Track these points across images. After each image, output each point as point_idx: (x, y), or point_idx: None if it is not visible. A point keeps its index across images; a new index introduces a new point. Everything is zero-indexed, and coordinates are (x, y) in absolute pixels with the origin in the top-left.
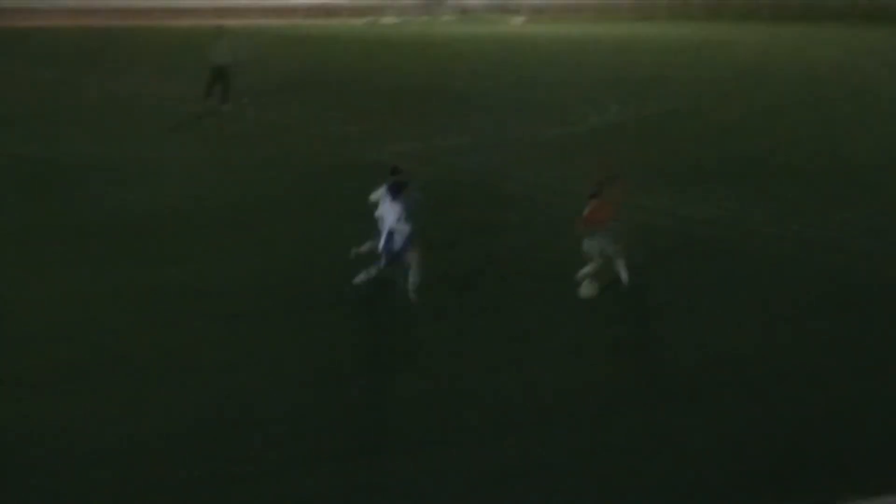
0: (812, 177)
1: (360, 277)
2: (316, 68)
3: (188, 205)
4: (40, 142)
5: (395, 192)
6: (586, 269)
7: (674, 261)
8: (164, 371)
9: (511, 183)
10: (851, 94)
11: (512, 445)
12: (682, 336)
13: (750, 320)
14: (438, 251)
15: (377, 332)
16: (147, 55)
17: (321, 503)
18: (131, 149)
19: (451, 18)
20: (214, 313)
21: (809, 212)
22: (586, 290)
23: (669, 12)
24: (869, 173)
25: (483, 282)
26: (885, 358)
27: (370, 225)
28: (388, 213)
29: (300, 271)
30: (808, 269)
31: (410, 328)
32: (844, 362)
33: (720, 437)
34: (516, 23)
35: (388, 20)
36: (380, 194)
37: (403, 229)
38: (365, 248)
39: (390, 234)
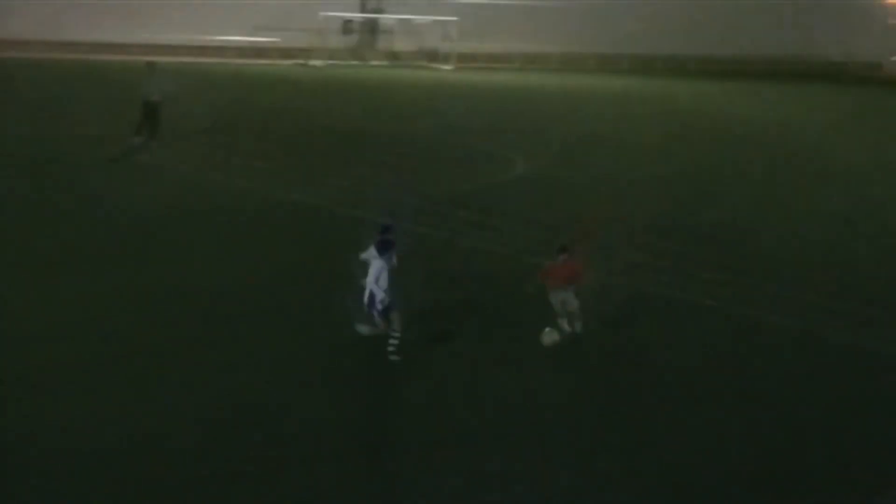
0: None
1: (364, 329)
2: (241, 107)
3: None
4: None
5: (382, 249)
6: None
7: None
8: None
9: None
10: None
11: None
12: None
13: None
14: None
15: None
16: (72, 90)
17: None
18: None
19: (379, 63)
20: None
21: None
22: (547, 338)
23: (598, 64)
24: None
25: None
26: None
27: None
28: (370, 271)
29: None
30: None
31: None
32: None
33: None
34: (445, 70)
35: (317, 63)
36: (370, 253)
37: (378, 291)
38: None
39: (371, 294)
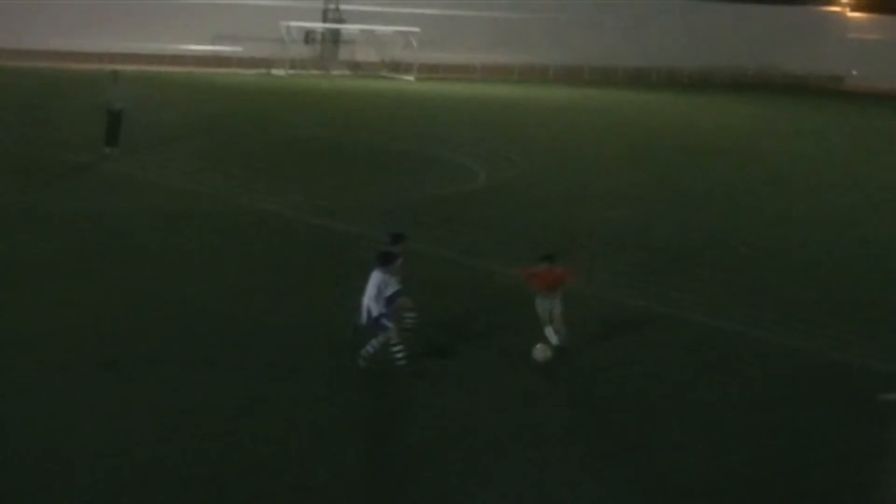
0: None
1: (368, 351)
2: (204, 116)
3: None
4: None
5: (382, 262)
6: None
7: None
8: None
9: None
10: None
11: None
12: None
13: None
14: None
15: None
16: (34, 98)
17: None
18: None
19: (342, 73)
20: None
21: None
22: (539, 354)
23: (559, 76)
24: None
25: None
26: None
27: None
28: (369, 285)
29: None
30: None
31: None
32: None
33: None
34: (407, 80)
35: (279, 72)
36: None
37: (373, 306)
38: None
39: (368, 309)
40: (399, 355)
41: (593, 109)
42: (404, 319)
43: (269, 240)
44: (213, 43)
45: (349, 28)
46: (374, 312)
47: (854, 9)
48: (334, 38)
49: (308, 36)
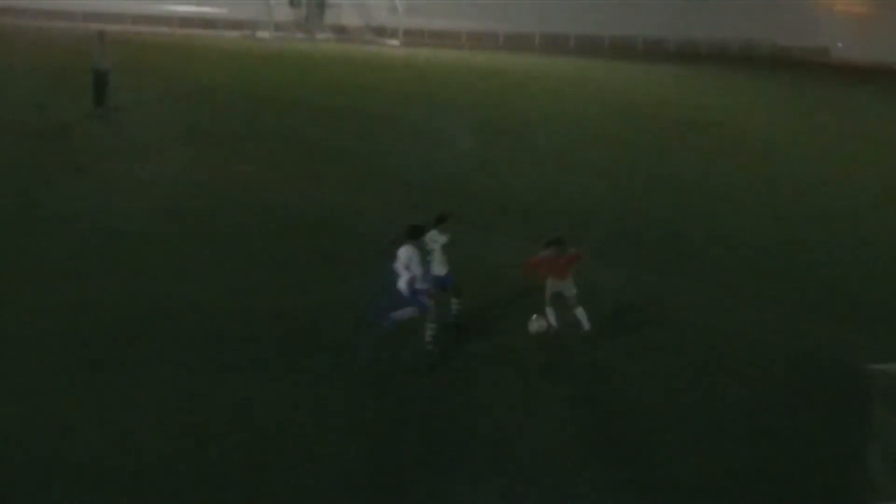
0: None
1: (428, 337)
2: (187, 78)
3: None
4: None
5: (411, 236)
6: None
7: None
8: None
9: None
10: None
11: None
12: None
13: None
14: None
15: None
16: (16, 57)
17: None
18: None
19: (326, 37)
20: None
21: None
22: (534, 325)
23: (544, 44)
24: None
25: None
26: None
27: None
28: (401, 259)
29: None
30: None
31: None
32: None
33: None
34: (392, 45)
35: (264, 35)
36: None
37: (403, 283)
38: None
39: (409, 280)
40: (429, 336)
41: (577, 79)
42: (451, 306)
43: (251, 203)
44: (198, 4)
45: None
46: (405, 288)
47: None
48: (319, 1)
49: None
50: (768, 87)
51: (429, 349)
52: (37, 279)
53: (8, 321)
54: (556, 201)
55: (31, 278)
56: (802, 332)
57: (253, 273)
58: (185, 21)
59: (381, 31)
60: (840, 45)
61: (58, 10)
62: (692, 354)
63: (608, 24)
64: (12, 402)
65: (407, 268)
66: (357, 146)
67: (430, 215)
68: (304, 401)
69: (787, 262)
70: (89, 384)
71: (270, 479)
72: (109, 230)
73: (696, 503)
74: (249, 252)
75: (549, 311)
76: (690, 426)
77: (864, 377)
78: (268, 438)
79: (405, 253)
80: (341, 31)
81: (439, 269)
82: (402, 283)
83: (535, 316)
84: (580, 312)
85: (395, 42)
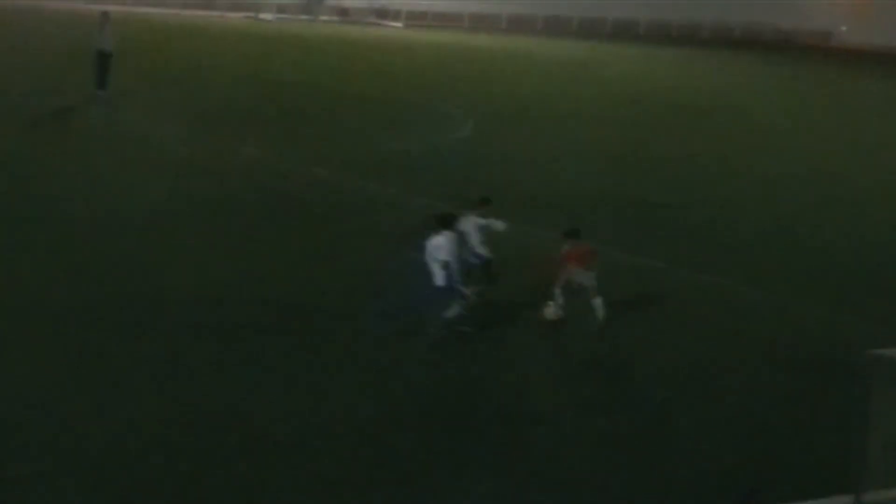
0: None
1: (452, 312)
2: (191, 60)
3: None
4: None
5: (443, 224)
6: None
7: None
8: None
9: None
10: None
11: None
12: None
13: None
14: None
15: None
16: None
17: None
18: None
19: (329, 19)
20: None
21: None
22: (549, 311)
23: (546, 26)
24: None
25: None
26: None
27: None
28: (443, 249)
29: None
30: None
31: None
32: None
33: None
34: (394, 27)
35: (267, 17)
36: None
37: (437, 271)
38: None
39: (450, 267)
40: (455, 317)
41: (577, 62)
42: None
43: (256, 183)
44: None
45: None
46: (440, 280)
47: None
48: None
49: None
50: (771, 71)
51: (465, 330)
52: (32, 267)
53: (6, 312)
54: (559, 186)
55: (25, 267)
56: (813, 318)
57: (258, 260)
58: (188, 3)
59: (383, 14)
60: (844, 28)
61: None
62: (703, 342)
63: (611, 7)
64: (11, 396)
65: (444, 257)
66: (360, 128)
67: (433, 199)
68: (309, 394)
69: (794, 247)
70: (88, 375)
71: (275, 472)
72: (110, 214)
73: (702, 488)
74: (253, 237)
75: (558, 300)
76: (699, 412)
77: (865, 362)
78: (267, 433)
79: (441, 242)
80: (344, 13)
81: (480, 248)
82: (438, 276)
83: (549, 303)
84: (597, 303)
85: (397, 24)
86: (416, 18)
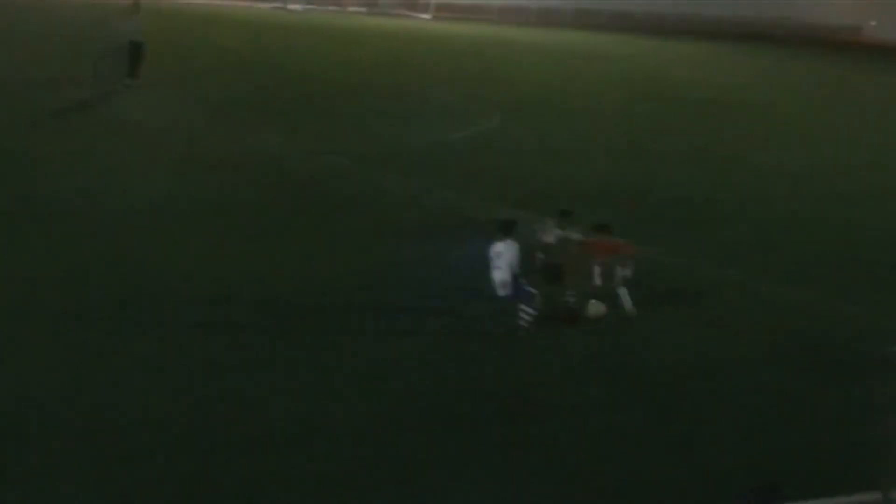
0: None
1: (527, 315)
2: (219, 51)
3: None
4: None
5: (504, 231)
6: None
7: None
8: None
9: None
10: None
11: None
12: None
13: None
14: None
15: None
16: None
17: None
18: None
19: (358, 10)
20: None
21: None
22: (593, 309)
23: (574, 20)
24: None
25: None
26: None
27: None
28: (504, 258)
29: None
30: None
31: None
32: None
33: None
34: (423, 19)
35: (295, 7)
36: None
37: (507, 278)
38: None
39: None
40: (525, 320)
41: (604, 56)
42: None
43: (282, 178)
44: None
45: None
46: (508, 285)
47: None
48: None
49: None
50: (798, 66)
51: (523, 325)
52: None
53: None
54: (579, 179)
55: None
56: (841, 313)
57: (275, 253)
58: None
59: (412, 5)
60: (873, 23)
61: None
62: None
63: (639, 1)
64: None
65: (509, 265)
66: (388, 122)
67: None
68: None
69: (816, 242)
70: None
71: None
72: (136, 204)
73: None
74: (274, 230)
75: (622, 293)
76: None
77: (891, 358)
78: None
79: (501, 249)
80: (373, 4)
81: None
82: (502, 286)
83: (593, 301)
84: (624, 292)
85: (426, 16)
86: (445, 10)
